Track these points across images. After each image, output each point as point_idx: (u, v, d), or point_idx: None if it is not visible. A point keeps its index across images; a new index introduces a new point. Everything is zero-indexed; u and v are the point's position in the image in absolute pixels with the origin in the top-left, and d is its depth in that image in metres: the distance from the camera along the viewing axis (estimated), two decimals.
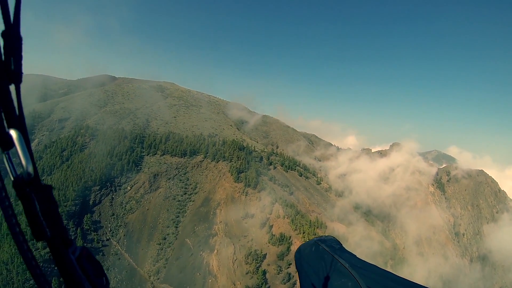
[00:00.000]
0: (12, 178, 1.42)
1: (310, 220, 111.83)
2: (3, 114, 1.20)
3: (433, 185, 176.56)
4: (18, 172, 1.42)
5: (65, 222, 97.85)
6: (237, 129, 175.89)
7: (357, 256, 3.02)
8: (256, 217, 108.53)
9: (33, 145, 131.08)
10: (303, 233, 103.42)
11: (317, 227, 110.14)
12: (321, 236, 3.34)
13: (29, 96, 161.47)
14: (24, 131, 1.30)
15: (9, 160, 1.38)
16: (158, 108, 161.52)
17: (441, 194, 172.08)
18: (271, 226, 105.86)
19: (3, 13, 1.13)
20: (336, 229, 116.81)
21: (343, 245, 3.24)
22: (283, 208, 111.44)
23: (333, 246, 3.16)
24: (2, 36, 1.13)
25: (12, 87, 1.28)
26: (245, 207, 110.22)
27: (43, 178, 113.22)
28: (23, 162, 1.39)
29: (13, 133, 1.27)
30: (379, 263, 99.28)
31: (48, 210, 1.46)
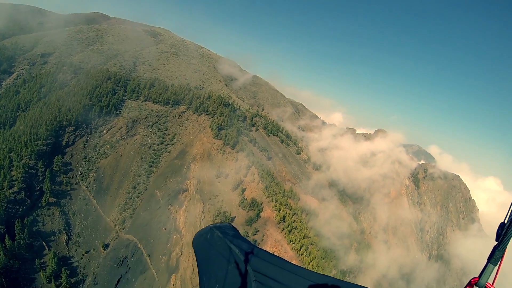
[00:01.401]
0: None
1: (284, 190, 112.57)
2: None
3: (409, 178, 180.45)
4: None
5: (34, 162, 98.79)
6: (225, 85, 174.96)
7: (251, 242, 3.18)
8: (230, 177, 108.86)
9: (11, 78, 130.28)
10: (275, 202, 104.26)
11: (290, 198, 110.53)
12: (217, 223, 3.51)
13: (15, 27, 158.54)
14: None
15: None
16: (147, 53, 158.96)
17: (415, 189, 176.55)
18: (244, 190, 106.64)
19: None
20: (308, 203, 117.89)
21: (238, 232, 3.41)
22: (258, 172, 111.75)
23: (227, 232, 3.28)
24: None
25: None
26: (220, 166, 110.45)
27: (18, 114, 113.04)
28: None
29: None
30: (345, 244, 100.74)
31: None
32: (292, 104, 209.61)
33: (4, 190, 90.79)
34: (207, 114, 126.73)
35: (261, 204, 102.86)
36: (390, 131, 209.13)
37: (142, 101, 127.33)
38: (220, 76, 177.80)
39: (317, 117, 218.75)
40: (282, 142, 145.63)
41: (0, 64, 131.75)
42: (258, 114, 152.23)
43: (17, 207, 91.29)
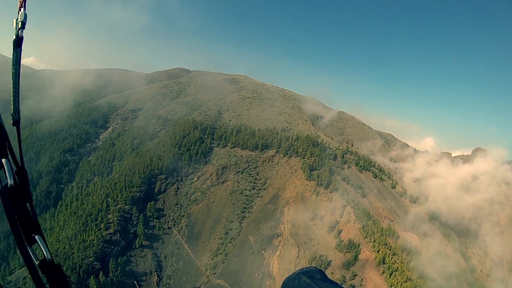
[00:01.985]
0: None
1: (382, 228, 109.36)
2: None
3: None
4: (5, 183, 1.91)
5: (128, 207, 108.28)
6: (312, 124, 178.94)
7: (339, 284, 3.41)
8: (325, 219, 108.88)
9: (107, 132, 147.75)
10: (374, 242, 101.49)
11: (389, 236, 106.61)
12: (303, 268, 3.62)
13: (108, 88, 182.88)
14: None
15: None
16: (230, 100, 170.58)
17: None
18: (340, 231, 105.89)
19: None
20: (409, 240, 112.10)
21: (326, 275, 3.57)
22: (354, 212, 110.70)
23: (314, 277, 3.41)
24: None
25: None
26: (315, 208, 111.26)
27: (114, 163, 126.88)
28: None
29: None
30: (454, 286, 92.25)
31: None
32: (380, 136, 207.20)
33: (101, 231, 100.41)
34: (297, 156, 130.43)
35: (359, 245, 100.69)
36: (490, 148, 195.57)
37: (231, 148, 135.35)
38: (305, 116, 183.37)
39: (407, 145, 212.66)
40: (375, 177, 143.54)
41: (97, 120, 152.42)
42: (348, 151, 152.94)
43: (112, 247, 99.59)
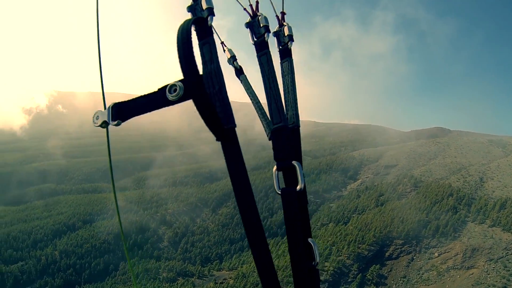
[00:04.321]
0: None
1: None
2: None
3: None
4: None
5: (350, 262, 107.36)
6: None
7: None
8: None
9: (355, 184, 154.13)
10: None
11: None
12: None
13: (363, 142, 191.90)
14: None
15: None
16: (496, 166, 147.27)
17: None
18: None
19: None
20: None
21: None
22: None
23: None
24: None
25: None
26: None
27: (353, 215, 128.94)
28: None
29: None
30: None
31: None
32: None
33: None
34: None
35: None
36: None
37: (489, 226, 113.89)
38: None
39: None
40: None
41: (347, 170, 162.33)
42: None
43: None
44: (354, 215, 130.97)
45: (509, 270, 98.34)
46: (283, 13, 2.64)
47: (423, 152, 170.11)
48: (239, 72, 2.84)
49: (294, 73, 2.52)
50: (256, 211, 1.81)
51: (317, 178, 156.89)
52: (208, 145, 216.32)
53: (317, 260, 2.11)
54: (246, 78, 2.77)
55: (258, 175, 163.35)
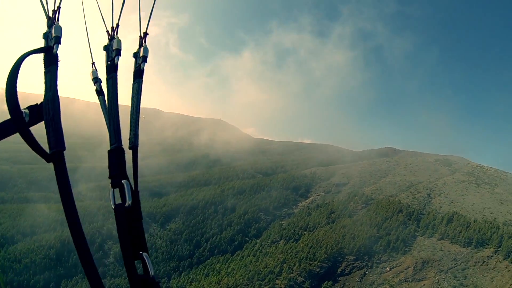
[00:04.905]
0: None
1: None
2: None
3: None
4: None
5: (301, 279, 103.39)
6: None
7: None
8: None
9: (306, 201, 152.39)
10: None
11: None
12: None
13: (315, 160, 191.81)
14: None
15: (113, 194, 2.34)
16: (443, 183, 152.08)
17: None
18: None
19: None
20: None
21: None
22: None
23: None
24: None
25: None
26: None
27: (304, 232, 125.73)
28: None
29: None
30: None
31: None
32: None
33: None
34: None
35: None
36: None
37: (438, 239, 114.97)
38: None
39: None
40: None
41: (299, 188, 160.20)
42: None
43: None
44: (305, 232, 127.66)
45: (458, 280, 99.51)
46: (146, 34, 2.81)
47: (374, 170, 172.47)
48: (98, 93, 2.97)
49: (140, 95, 2.67)
50: (79, 223, 2.03)
51: (268, 195, 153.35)
52: (159, 158, 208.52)
53: (152, 273, 2.33)
54: (104, 99, 2.81)
55: (208, 191, 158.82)
